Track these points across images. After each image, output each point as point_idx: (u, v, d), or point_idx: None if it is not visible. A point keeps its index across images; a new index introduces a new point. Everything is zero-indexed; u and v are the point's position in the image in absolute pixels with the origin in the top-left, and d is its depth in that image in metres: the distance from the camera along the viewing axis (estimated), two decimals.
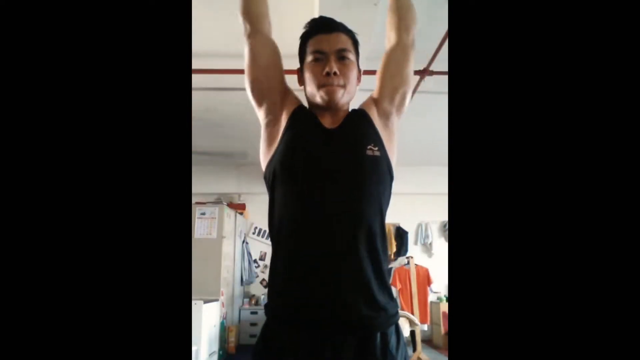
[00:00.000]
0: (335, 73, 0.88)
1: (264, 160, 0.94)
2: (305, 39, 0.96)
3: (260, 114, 0.96)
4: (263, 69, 0.94)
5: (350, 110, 0.98)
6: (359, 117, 0.95)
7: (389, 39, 1.02)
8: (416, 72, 2.81)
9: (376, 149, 0.88)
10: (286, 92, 0.97)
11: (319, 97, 0.91)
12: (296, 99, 0.98)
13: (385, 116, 0.96)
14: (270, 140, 0.93)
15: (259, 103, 0.95)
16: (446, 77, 2.75)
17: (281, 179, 0.86)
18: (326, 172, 0.85)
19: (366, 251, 0.81)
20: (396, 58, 0.98)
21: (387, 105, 0.97)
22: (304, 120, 0.93)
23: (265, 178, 0.92)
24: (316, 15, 2.14)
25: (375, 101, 0.98)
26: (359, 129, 0.92)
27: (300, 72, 0.98)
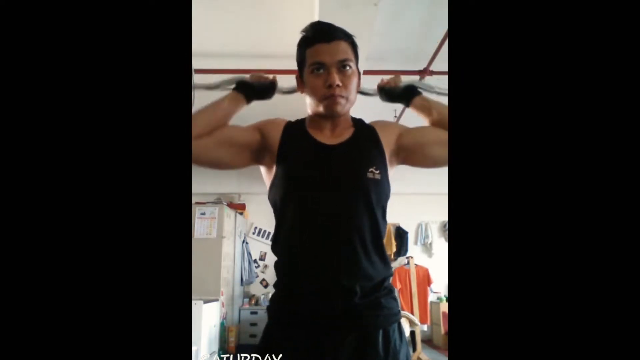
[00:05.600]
0: (337, 85, 0.87)
1: (266, 181, 0.95)
2: (303, 47, 0.92)
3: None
4: (228, 158, 0.93)
5: (355, 120, 0.97)
6: (367, 137, 0.93)
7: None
8: (416, 72, 2.82)
9: (377, 172, 0.87)
10: (259, 130, 0.94)
11: (321, 108, 0.90)
12: (274, 122, 0.96)
13: (396, 153, 0.95)
14: (268, 165, 0.94)
15: (253, 164, 0.96)
16: (446, 77, 2.75)
17: (284, 202, 0.87)
18: (324, 190, 0.85)
19: (363, 264, 0.82)
20: (444, 139, 0.91)
21: (403, 152, 0.95)
22: (296, 140, 0.92)
23: (269, 199, 0.93)
24: (316, 16, 2.14)
25: (401, 135, 0.96)
26: (364, 149, 0.91)
27: (299, 78, 0.97)
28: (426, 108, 1.02)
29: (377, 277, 0.84)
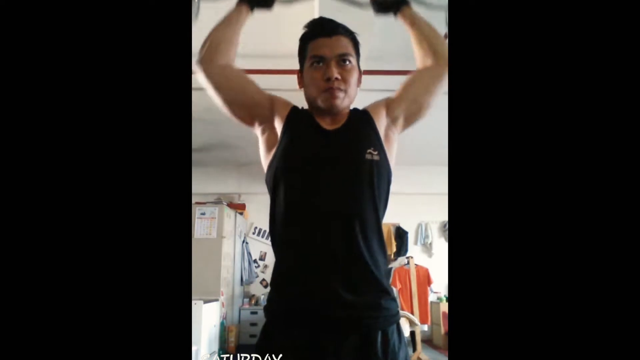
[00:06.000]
0: (336, 79, 0.87)
1: (264, 164, 0.94)
2: (305, 41, 0.94)
3: (253, 128, 0.97)
4: (235, 96, 0.94)
5: (351, 109, 0.98)
6: (361, 119, 0.94)
7: (423, 61, 1.02)
8: None
9: (376, 152, 0.87)
10: (270, 99, 0.96)
11: (320, 102, 0.91)
12: (285, 102, 0.97)
13: (393, 124, 0.96)
14: (268, 145, 0.94)
15: (247, 123, 0.96)
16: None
17: (281, 182, 0.87)
18: (324, 173, 0.85)
19: (363, 250, 0.82)
20: (429, 82, 0.97)
21: (399, 118, 0.97)
22: (300, 122, 0.92)
23: (266, 182, 0.92)
24: (316, 15, 2.14)
25: (388, 107, 0.97)
26: (360, 131, 0.91)
27: (300, 74, 0.97)
28: (411, 20, 1.05)
29: (376, 269, 0.83)
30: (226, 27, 0.98)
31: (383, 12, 1.10)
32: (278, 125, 0.93)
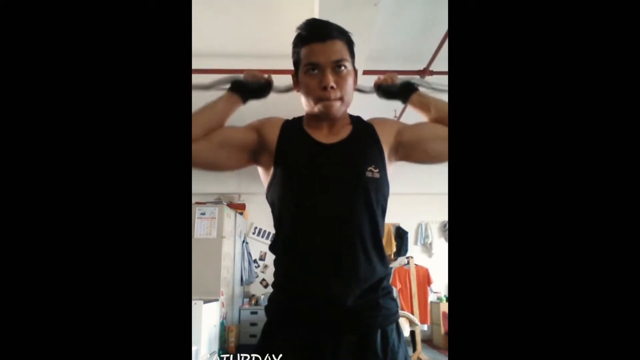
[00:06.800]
0: (332, 87, 0.86)
1: (264, 181, 0.94)
2: (299, 44, 0.91)
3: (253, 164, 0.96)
4: (227, 160, 0.92)
5: (353, 118, 0.96)
6: (365, 134, 0.93)
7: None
8: (416, 72, 2.82)
9: (376, 170, 0.86)
10: (256, 131, 0.93)
11: (316, 110, 0.89)
12: (272, 122, 0.95)
13: (395, 149, 0.95)
14: (266, 166, 0.93)
15: (245, 166, 0.95)
16: (446, 77, 2.75)
17: (284, 205, 0.87)
18: (323, 187, 0.84)
19: (362, 253, 0.82)
20: (443, 130, 0.93)
21: (403, 144, 0.95)
22: (295, 139, 0.91)
23: (267, 200, 0.92)
24: (316, 15, 2.14)
25: (399, 131, 0.95)
26: (363, 147, 0.90)
27: (295, 76, 0.96)
28: (424, 105, 1.02)
29: (375, 277, 0.84)
30: (209, 115, 0.92)
31: (389, 99, 1.07)
32: (271, 148, 0.91)
